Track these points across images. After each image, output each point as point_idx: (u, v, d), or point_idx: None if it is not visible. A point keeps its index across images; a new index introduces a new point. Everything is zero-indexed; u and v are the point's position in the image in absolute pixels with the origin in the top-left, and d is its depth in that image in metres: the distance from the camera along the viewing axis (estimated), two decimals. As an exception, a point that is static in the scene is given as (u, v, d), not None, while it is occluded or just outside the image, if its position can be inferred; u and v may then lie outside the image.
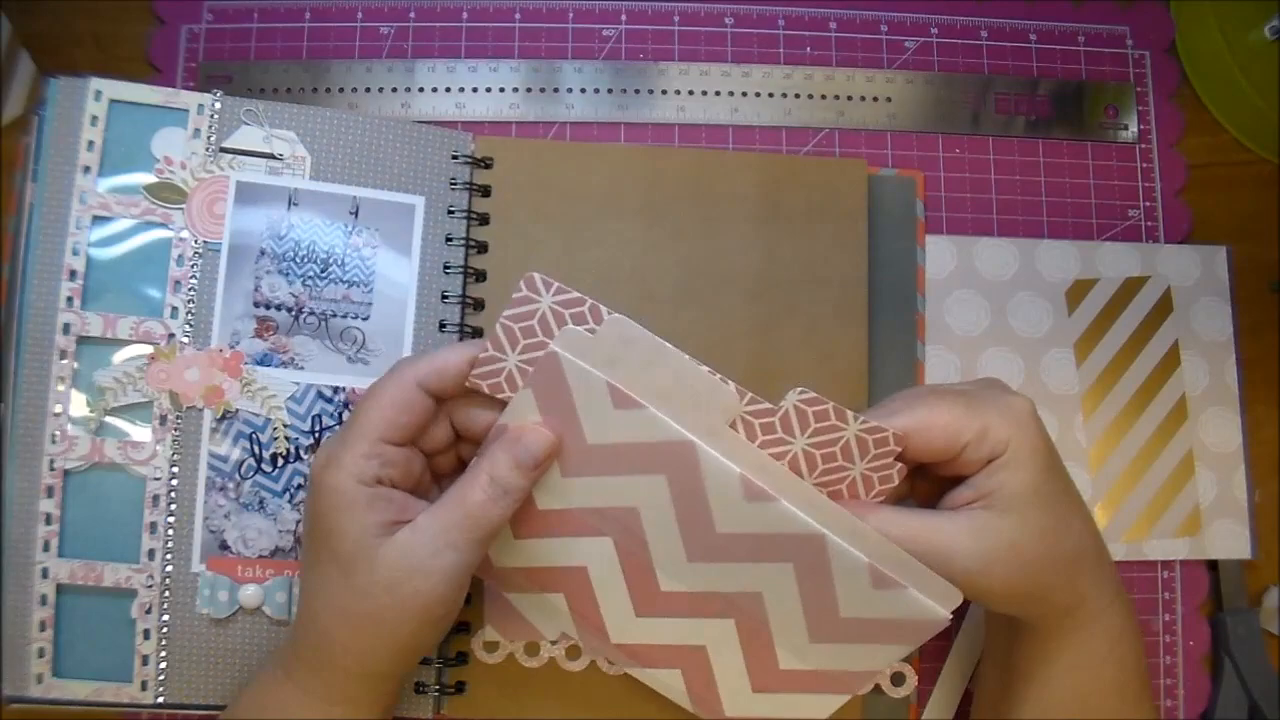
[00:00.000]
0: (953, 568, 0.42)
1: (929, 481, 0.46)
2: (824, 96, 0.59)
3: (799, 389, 0.43)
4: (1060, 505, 0.42)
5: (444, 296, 0.52)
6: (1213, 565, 0.57)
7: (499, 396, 0.43)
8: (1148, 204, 0.59)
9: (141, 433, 0.49)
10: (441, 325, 0.52)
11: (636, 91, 0.58)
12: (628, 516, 0.44)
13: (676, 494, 0.43)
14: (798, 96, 0.58)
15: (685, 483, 0.43)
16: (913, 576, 0.42)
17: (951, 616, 0.42)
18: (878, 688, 0.52)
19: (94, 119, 0.49)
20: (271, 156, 0.51)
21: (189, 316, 0.49)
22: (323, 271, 0.51)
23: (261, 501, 0.49)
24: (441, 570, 0.40)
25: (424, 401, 0.42)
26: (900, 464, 0.43)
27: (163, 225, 0.50)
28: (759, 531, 0.43)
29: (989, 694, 0.49)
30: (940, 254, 0.57)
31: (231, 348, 0.49)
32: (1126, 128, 0.60)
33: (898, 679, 0.52)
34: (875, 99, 0.59)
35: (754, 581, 0.44)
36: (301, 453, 0.50)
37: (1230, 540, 0.56)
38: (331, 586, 0.41)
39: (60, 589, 0.48)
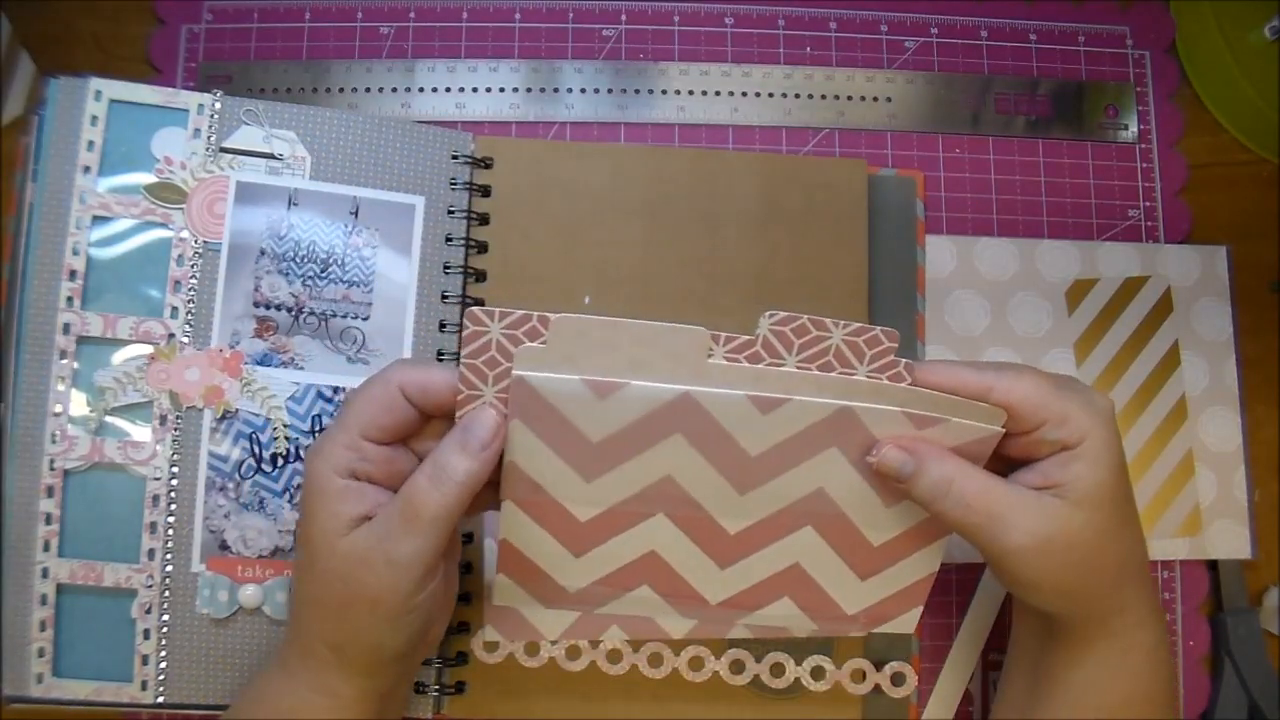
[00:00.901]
0: (1007, 542, 0.41)
1: (994, 461, 0.44)
2: (824, 96, 0.59)
3: (768, 312, 0.41)
4: (1122, 510, 0.42)
5: (444, 297, 0.52)
6: (1213, 565, 0.57)
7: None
8: (1148, 204, 0.59)
9: (141, 433, 0.49)
10: (441, 325, 0.52)
11: (636, 91, 0.58)
12: (667, 486, 0.44)
13: (699, 444, 0.43)
14: (798, 96, 0.58)
15: (701, 429, 0.42)
16: (948, 410, 0.42)
17: (1004, 429, 0.42)
18: (877, 687, 0.52)
19: (94, 119, 0.49)
20: (271, 156, 0.51)
21: (189, 316, 0.49)
22: (323, 271, 0.51)
23: (261, 501, 0.49)
24: (387, 562, 0.39)
25: (405, 407, 0.41)
26: (905, 360, 0.42)
27: (163, 225, 0.50)
28: (789, 436, 0.43)
29: (1014, 695, 0.48)
30: (940, 254, 0.57)
31: (231, 348, 0.49)
32: (1126, 128, 0.60)
33: (898, 679, 0.53)
34: (875, 99, 0.59)
35: (809, 481, 0.44)
36: (301, 453, 0.50)
37: (1230, 540, 0.56)
38: (302, 572, 0.41)
39: (60, 589, 0.48)
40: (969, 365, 0.43)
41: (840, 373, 0.42)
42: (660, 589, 0.48)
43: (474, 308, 0.40)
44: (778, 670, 0.52)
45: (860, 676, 0.52)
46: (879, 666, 0.53)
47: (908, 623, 0.50)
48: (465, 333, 0.40)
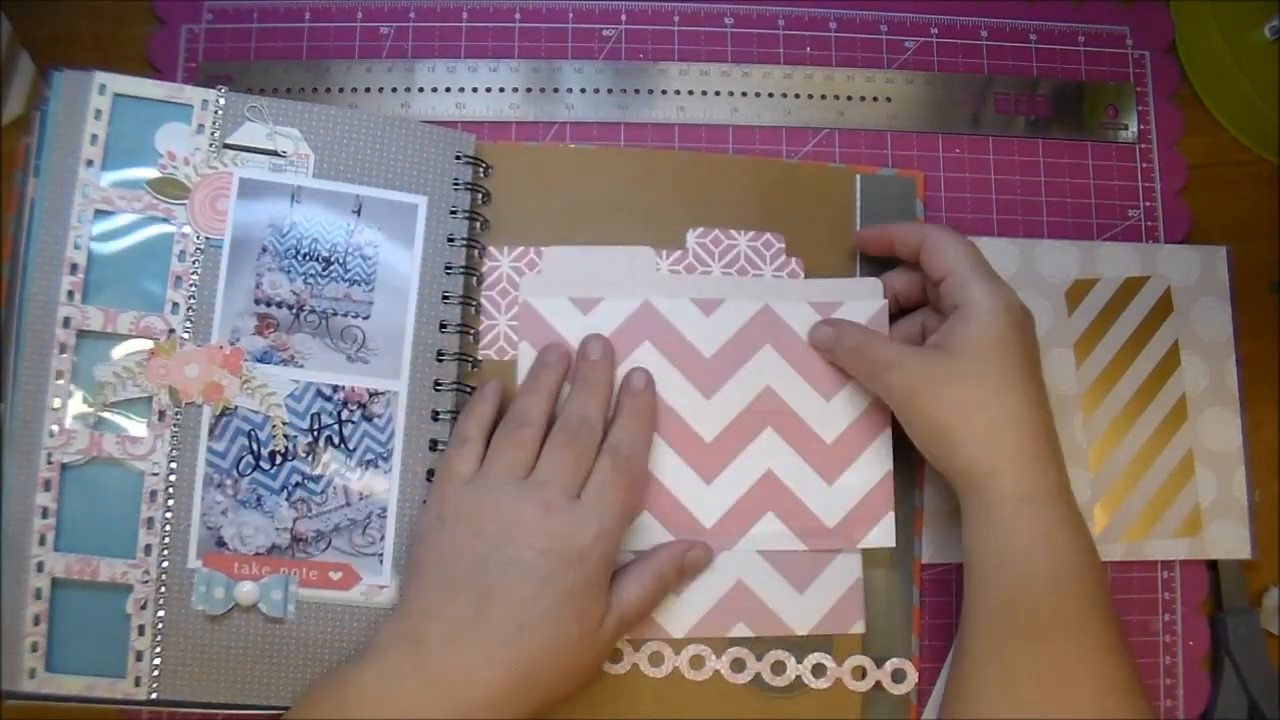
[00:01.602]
0: (890, 381, 0.48)
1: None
2: (824, 96, 0.59)
3: (692, 228, 0.55)
4: (1005, 380, 0.46)
5: (445, 297, 0.52)
6: (1213, 565, 0.56)
7: (505, 360, 0.53)
8: (1148, 204, 0.59)
9: (140, 428, 0.49)
10: (442, 326, 0.52)
11: (636, 91, 0.58)
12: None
13: (663, 348, 0.53)
14: (798, 96, 0.59)
15: (663, 333, 0.53)
16: (842, 295, 0.54)
17: (886, 301, 0.54)
18: (878, 684, 0.52)
19: (98, 113, 0.49)
20: (275, 154, 0.51)
21: (190, 312, 0.49)
22: (324, 270, 0.51)
23: (259, 499, 0.49)
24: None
25: None
26: (794, 257, 0.55)
27: (165, 220, 0.50)
28: (729, 336, 0.53)
29: None
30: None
31: (232, 344, 0.49)
32: (1126, 128, 0.60)
33: (898, 675, 0.52)
34: (875, 99, 0.59)
35: (756, 379, 0.53)
36: (300, 450, 0.50)
37: (1230, 540, 0.56)
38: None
39: (55, 583, 0.48)
40: (906, 224, 0.54)
41: (753, 274, 0.54)
42: (659, 513, 0.52)
43: (488, 245, 0.54)
44: (778, 668, 0.52)
45: (861, 673, 0.52)
46: (880, 663, 0.52)
47: (885, 534, 0.53)
48: (484, 268, 0.53)
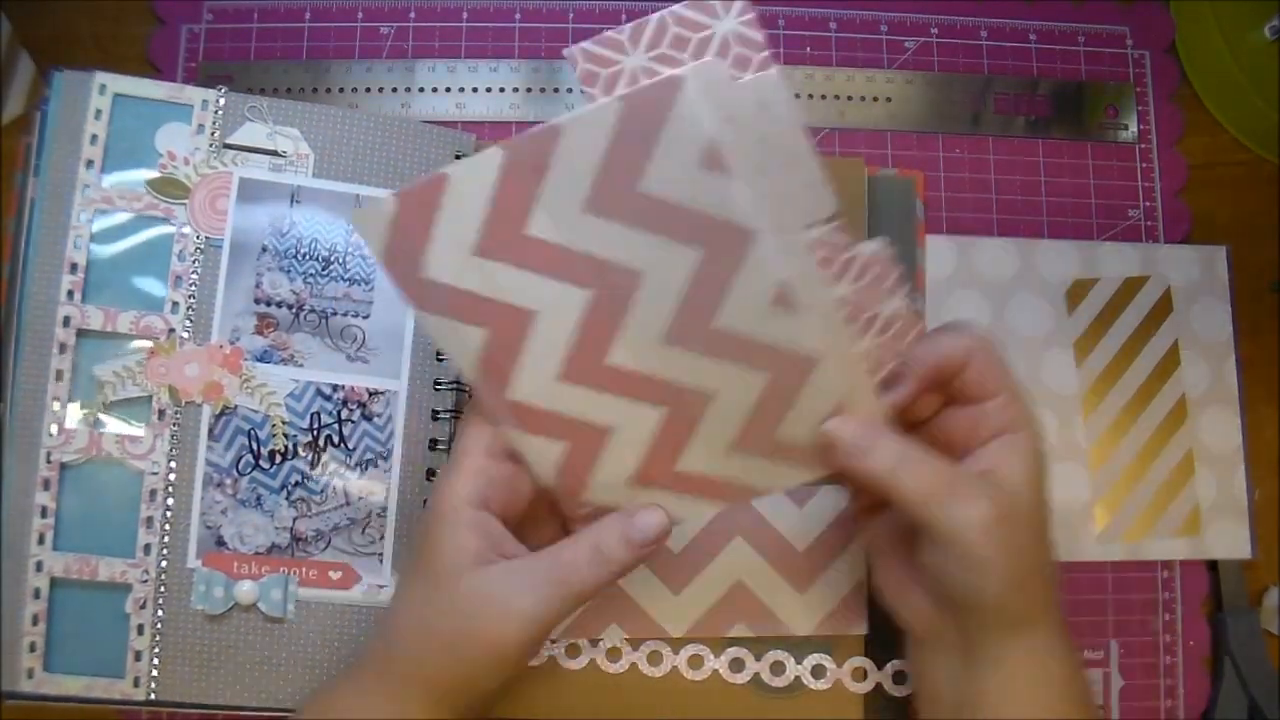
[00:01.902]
0: (964, 515, 0.40)
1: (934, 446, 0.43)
2: (824, 96, 0.59)
3: (878, 241, 0.42)
4: (1047, 512, 0.42)
5: (444, 294, 0.52)
6: (1213, 565, 0.56)
7: (591, 91, 0.41)
8: (1148, 204, 0.59)
9: (139, 427, 0.49)
10: (441, 324, 0.52)
11: (637, 91, 0.58)
12: (627, 278, 0.40)
13: (698, 275, 0.40)
14: (797, 96, 0.59)
15: (716, 267, 0.39)
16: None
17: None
18: (879, 686, 0.52)
19: (98, 113, 0.49)
20: (275, 153, 0.51)
21: (189, 312, 0.49)
22: (324, 269, 0.51)
23: (259, 498, 0.49)
24: (520, 614, 0.40)
25: None
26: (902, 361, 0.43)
27: (165, 220, 0.50)
28: (759, 338, 0.41)
29: (940, 696, 0.46)
30: (940, 254, 0.57)
31: (231, 344, 0.49)
32: (1126, 128, 0.60)
33: (899, 678, 0.52)
34: (875, 99, 0.59)
35: (718, 381, 0.42)
36: (299, 450, 0.49)
37: (1230, 540, 0.56)
38: (416, 597, 0.41)
39: (54, 583, 0.48)
40: (944, 338, 0.42)
41: (855, 332, 0.42)
42: (490, 347, 0.42)
43: None
44: (778, 669, 0.52)
45: (862, 675, 0.52)
46: (880, 665, 0.52)
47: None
48: None
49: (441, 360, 0.51)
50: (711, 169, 0.38)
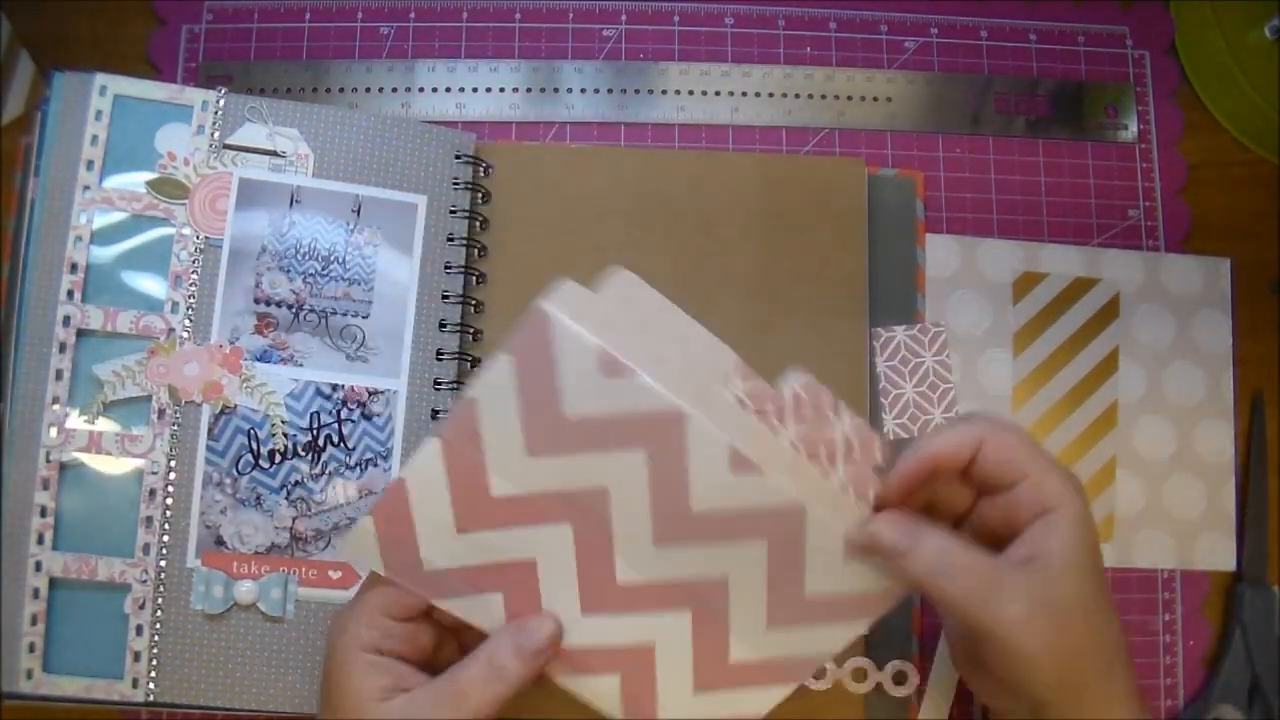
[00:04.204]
0: (1007, 611, 0.38)
1: (978, 538, 0.43)
2: (824, 96, 0.59)
3: (798, 372, 0.42)
4: (1101, 584, 0.40)
5: (444, 296, 0.52)
6: (1239, 535, 0.56)
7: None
8: (1147, 204, 0.59)
9: (139, 427, 0.49)
10: (442, 325, 0.52)
11: (636, 91, 0.58)
12: (595, 499, 0.41)
13: (655, 470, 0.40)
14: (798, 96, 0.58)
15: (666, 457, 0.40)
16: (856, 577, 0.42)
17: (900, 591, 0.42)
18: (879, 687, 0.52)
19: (98, 114, 0.49)
20: (274, 154, 0.51)
21: (189, 312, 0.49)
22: (324, 269, 0.51)
23: (258, 498, 0.49)
24: None
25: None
26: (881, 475, 0.42)
27: (165, 221, 0.50)
28: (739, 507, 0.41)
29: None
30: (942, 254, 0.57)
31: (231, 343, 0.49)
32: (1126, 128, 0.60)
33: (900, 678, 0.52)
34: (875, 99, 0.59)
35: (723, 564, 0.42)
36: (299, 449, 0.49)
37: (1216, 552, 0.56)
38: None
39: (53, 583, 0.48)
40: (948, 429, 0.42)
41: (821, 467, 0.41)
42: (510, 605, 0.43)
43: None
44: (778, 670, 0.52)
45: (862, 675, 0.52)
46: (880, 665, 0.52)
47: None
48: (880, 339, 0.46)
49: (441, 359, 0.51)
50: (613, 375, 0.39)
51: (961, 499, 0.43)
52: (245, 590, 0.48)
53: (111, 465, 0.48)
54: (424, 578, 0.43)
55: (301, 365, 0.50)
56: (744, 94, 0.58)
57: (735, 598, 0.42)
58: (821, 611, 0.42)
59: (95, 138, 0.49)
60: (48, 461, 0.48)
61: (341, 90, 0.57)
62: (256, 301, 0.50)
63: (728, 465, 0.40)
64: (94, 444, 0.48)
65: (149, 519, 0.48)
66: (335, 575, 0.49)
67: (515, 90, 0.58)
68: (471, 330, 0.53)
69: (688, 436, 0.39)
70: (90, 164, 0.49)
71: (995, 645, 0.39)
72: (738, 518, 0.41)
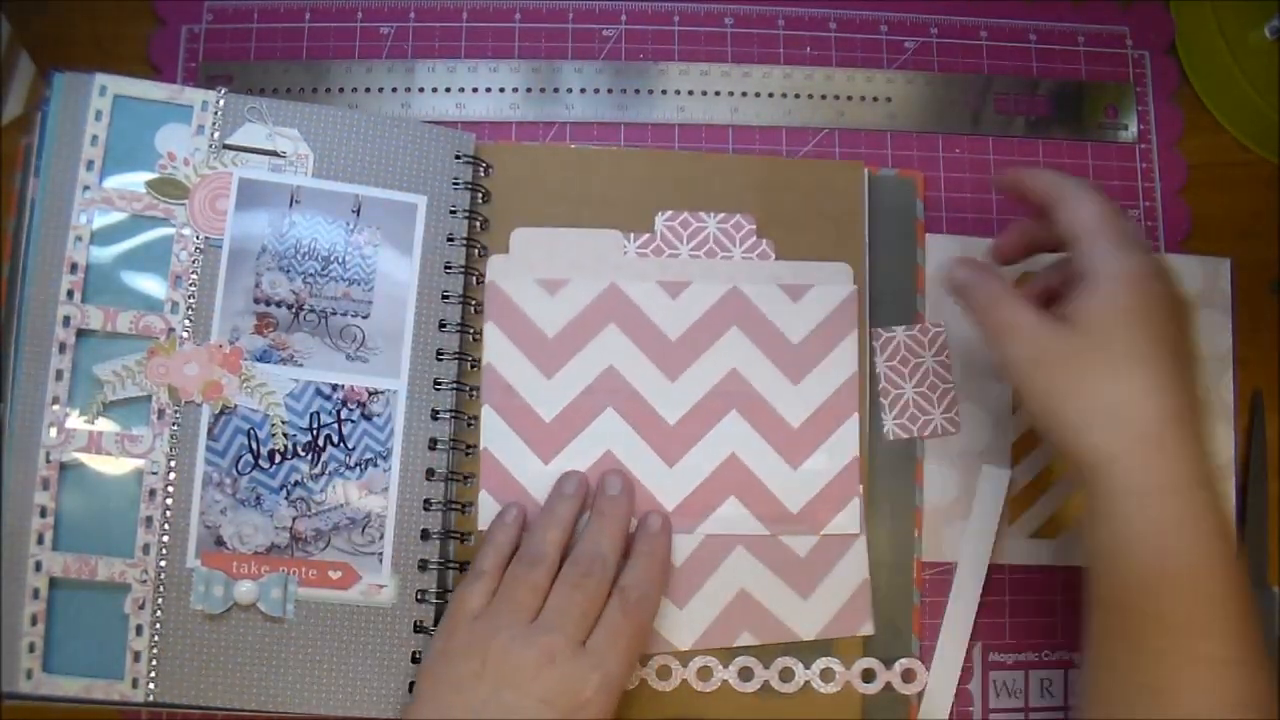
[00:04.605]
0: (1007, 350, 0.45)
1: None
2: (824, 96, 0.59)
3: (660, 211, 0.54)
4: (1133, 358, 0.42)
5: (444, 296, 0.52)
6: (1241, 535, 0.56)
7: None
8: (1148, 204, 0.59)
9: (139, 427, 0.48)
10: (442, 325, 0.52)
11: (636, 91, 0.58)
12: (610, 377, 0.53)
13: (629, 331, 0.53)
14: (798, 96, 0.58)
15: (628, 316, 0.53)
16: (811, 277, 0.54)
17: (855, 287, 0.54)
18: (888, 685, 0.52)
19: (98, 114, 0.49)
20: (274, 154, 0.51)
21: (189, 312, 0.49)
22: (323, 269, 0.51)
23: (258, 498, 0.49)
24: None
25: None
26: (765, 239, 0.54)
27: (165, 221, 0.50)
28: (696, 318, 0.53)
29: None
30: (942, 254, 0.57)
31: (231, 343, 0.49)
32: (1126, 128, 0.60)
33: (908, 676, 0.52)
34: (875, 99, 0.59)
35: (722, 361, 0.53)
36: (299, 449, 0.49)
37: None
38: None
39: (53, 583, 0.48)
40: (1041, 173, 0.48)
41: (722, 256, 0.54)
42: None
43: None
44: (787, 675, 0.52)
45: (870, 676, 0.52)
46: (888, 665, 0.52)
47: (850, 520, 0.53)
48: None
49: (441, 359, 0.51)
50: (556, 290, 0.53)
51: (1025, 244, 0.51)
52: (245, 590, 0.48)
53: (111, 465, 0.48)
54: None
55: (301, 365, 0.50)
56: (744, 94, 0.58)
57: (752, 375, 0.53)
58: (814, 349, 0.54)
59: (95, 138, 0.49)
60: (48, 461, 0.48)
61: (341, 90, 0.57)
62: (256, 301, 0.50)
63: (667, 296, 0.54)
64: (94, 444, 0.48)
65: (149, 519, 0.48)
66: (335, 575, 0.49)
67: (515, 90, 0.58)
68: (471, 330, 0.53)
69: (626, 293, 0.53)
70: (90, 164, 0.49)
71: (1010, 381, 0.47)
72: (703, 324, 0.53)
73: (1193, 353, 0.44)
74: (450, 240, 0.52)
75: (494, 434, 0.52)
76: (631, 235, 0.54)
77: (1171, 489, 0.41)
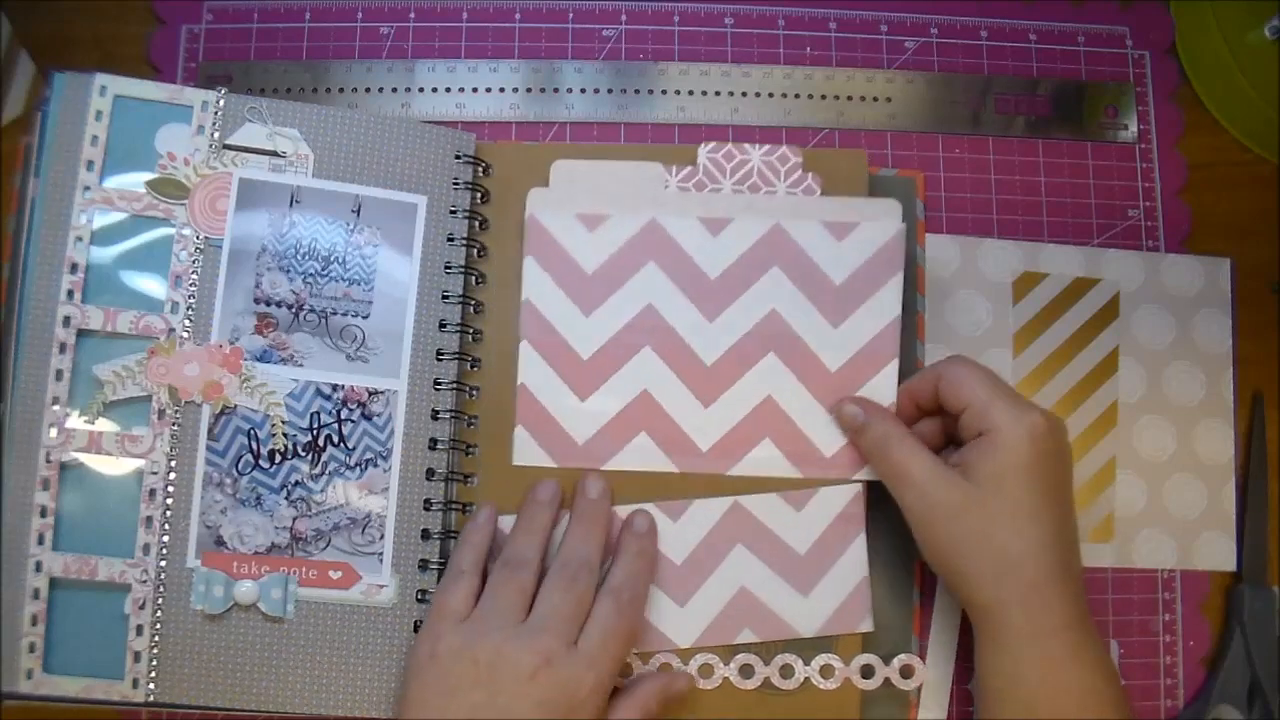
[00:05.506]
0: (905, 498, 0.48)
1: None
2: (824, 96, 0.59)
3: (703, 144, 0.54)
4: (1022, 511, 0.45)
5: (444, 296, 0.52)
6: (1239, 536, 0.56)
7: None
8: (1148, 204, 0.59)
9: (139, 427, 0.49)
10: (442, 325, 0.52)
11: (636, 91, 0.58)
12: (649, 316, 0.53)
13: (668, 269, 0.52)
14: (798, 96, 0.59)
15: (669, 254, 0.53)
16: (856, 214, 0.53)
17: (904, 224, 0.53)
18: (887, 681, 0.52)
19: (98, 114, 0.49)
20: (274, 154, 0.51)
21: (189, 312, 0.49)
22: (323, 269, 0.51)
23: (258, 498, 0.49)
24: None
25: None
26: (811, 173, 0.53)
27: (165, 221, 0.50)
28: (738, 256, 0.52)
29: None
30: (942, 254, 0.57)
31: (231, 343, 0.49)
32: (1126, 128, 0.60)
33: (906, 672, 0.52)
34: (875, 99, 0.59)
35: (762, 302, 0.52)
36: (299, 449, 0.49)
37: (1216, 552, 0.56)
38: None
39: (53, 583, 0.48)
40: (925, 368, 0.51)
41: (765, 191, 0.53)
42: (656, 436, 0.52)
43: None
44: (787, 672, 0.52)
45: (869, 672, 0.52)
46: (887, 661, 0.52)
47: None
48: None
49: (441, 359, 0.51)
50: (596, 226, 0.53)
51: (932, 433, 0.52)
52: (245, 590, 0.48)
53: (111, 465, 0.48)
54: (584, 452, 0.52)
55: (301, 365, 0.50)
56: (744, 94, 0.58)
57: (792, 319, 0.52)
58: (857, 289, 0.52)
59: (95, 138, 0.49)
60: (48, 461, 0.48)
61: (341, 90, 0.57)
62: (256, 301, 0.50)
63: (708, 233, 0.53)
64: (94, 444, 0.48)
65: (149, 519, 0.48)
66: (335, 575, 0.49)
67: (515, 90, 0.58)
68: (471, 330, 0.53)
69: (667, 229, 0.53)
70: (90, 164, 0.49)
71: (908, 523, 0.48)
72: (745, 263, 0.52)
73: (1073, 499, 0.48)
74: (450, 240, 0.52)
75: (531, 369, 0.52)
76: (674, 168, 0.54)
77: (1062, 629, 0.45)
